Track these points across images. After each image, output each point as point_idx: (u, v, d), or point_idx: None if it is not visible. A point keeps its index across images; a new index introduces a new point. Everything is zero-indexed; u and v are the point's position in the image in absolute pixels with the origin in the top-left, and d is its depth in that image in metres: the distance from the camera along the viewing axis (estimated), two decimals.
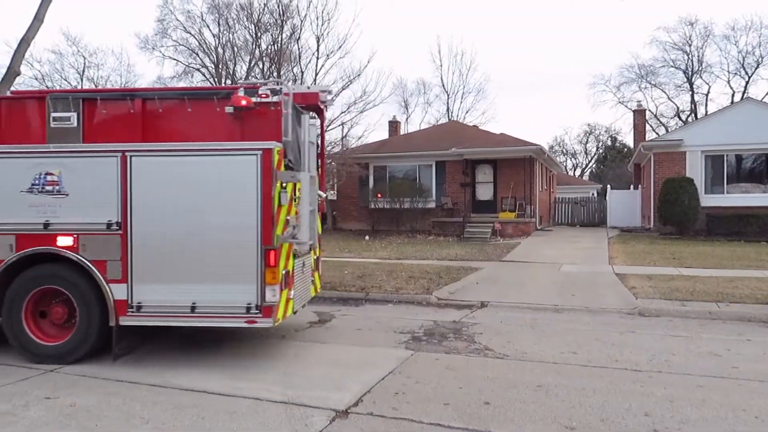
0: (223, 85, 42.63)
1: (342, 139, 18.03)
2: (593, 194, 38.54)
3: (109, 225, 6.44)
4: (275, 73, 13.99)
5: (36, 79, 44.33)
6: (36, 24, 19.94)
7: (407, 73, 76.00)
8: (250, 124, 6.91)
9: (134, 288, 6.42)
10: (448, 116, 56.78)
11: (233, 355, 7.08)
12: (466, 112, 56.89)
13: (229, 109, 6.85)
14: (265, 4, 45.36)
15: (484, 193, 26.41)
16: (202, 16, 51.00)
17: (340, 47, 14.65)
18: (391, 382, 5.90)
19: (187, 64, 52.29)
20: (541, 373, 6.23)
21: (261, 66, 14.19)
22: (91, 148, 6.80)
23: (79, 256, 6.46)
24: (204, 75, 53.31)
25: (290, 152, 6.74)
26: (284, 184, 6.38)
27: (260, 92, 6.86)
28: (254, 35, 46.47)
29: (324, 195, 8.25)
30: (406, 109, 58.31)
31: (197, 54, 52.27)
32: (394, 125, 35.21)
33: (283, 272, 6.38)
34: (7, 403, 5.31)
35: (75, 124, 7.18)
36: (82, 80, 52.05)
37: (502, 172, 26.00)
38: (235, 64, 50.72)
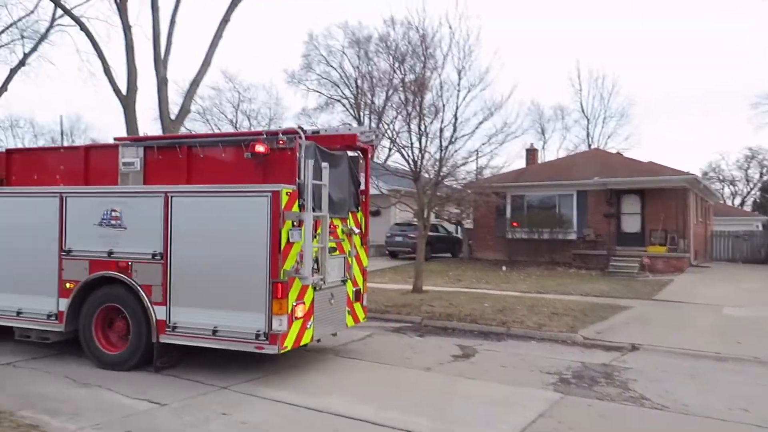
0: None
1: (478, 168, 18.04)
2: (758, 227, 34.85)
3: (154, 255, 7.47)
4: (413, 103, 14.45)
5: (198, 113, 49.40)
6: (204, 67, 22.37)
7: (544, 98, 74.42)
8: (270, 167, 7.68)
9: (172, 310, 7.35)
10: (588, 142, 54.60)
11: (376, 383, 7.36)
12: (608, 138, 54.35)
13: (247, 155, 7.61)
14: (404, 34, 46.97)
15: (631, 224, 24.96)
16: (342, 49, 53.79)
17: (481, 80, 14.77)
18: (542, 426, 5.81)
19: (329, 96, 55.40)
20: (709, 431, 5.79)
21: (403, 96, 14.78)
22: (142, 189, 8.06)
23: (132, 281, 7.55)
24: (344, 106, 56.01)
25: (307, 193, 7.03)
26: (295, 223, 6.94)
27: (279, 138, 7.59)
28: (392, 66, 48.43)
29: (357, 231, 8.52)
30: (543, 135, 57.01)
31: (338, 86, 55.25)
32: (531, 153, 34.52)
33: (294, 303, 6.98)
34: (191, 415, 5.98)
35: (138, 168, 8.46)
36: (236, 114, 57.16)
37: (650, 203, 24.45)
38: (373, 95, 53.05)
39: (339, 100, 55.29)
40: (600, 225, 24.76)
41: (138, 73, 21.73)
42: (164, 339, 7.36)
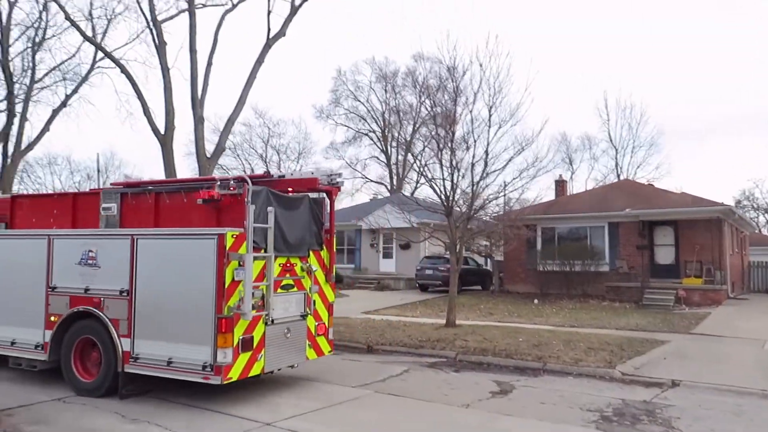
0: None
1: (509, 201, 18.11)
2: None
3: (121, 291, 8.16)
4: (444, 139, 14.70)
5: (229, 149, 50.49)
6: (239, 106, 23.17)
7: (571, 128, 74.32)
8: (225, 211, 8.29)
9: (135, 342, 7.99)
10: (617, 172, 54.18)
11: (418, 419, 7.43)
12: (637, 167, 53.86)
13: (199, 201, 8.20)
14: (431, 68, 47.71)
15: (664, 256, 24.63)
16: (370, 84, 55.13)
17: (512, 115, 14.99)
18: None
19: (356, 129, 56.55)
20: None
21: (433, 131, 15.02)
22: (113, 232, 8.86)
23: (103, 315, 8.24)
24: (371, 139, 57.14)
25: (248, 235, 7.61)
26: (240, 262, 7.45)
27: (230, 185, 8.13)
28: (419, 99, 49.22)
29: (315, 269, 8.96)
30: (571, 165, 56.84)
31: (365, 120, 56.39)
32: (560, 184, 34.48)
33: (241, 337, 7.53)
34: None
35: (115, 213, 9.23)
36: (266, 149, 58.39)
37: (684, 234, 24.14)
38: (400, 128, 53.72)
39: (366, 134, 56.34)
40: (633, 257, 24.49)
41: (175, 112, 22.60)
42: (129, 369, 7.99)
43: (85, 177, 55.79)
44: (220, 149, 22.73)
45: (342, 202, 61.58)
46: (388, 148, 56.28)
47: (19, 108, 29.18)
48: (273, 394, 8.39)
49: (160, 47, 22.75)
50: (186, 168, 43.34)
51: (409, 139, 52.36)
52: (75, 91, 31.30)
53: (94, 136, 76.86)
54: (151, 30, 23.06)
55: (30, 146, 30.89)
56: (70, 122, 75.97)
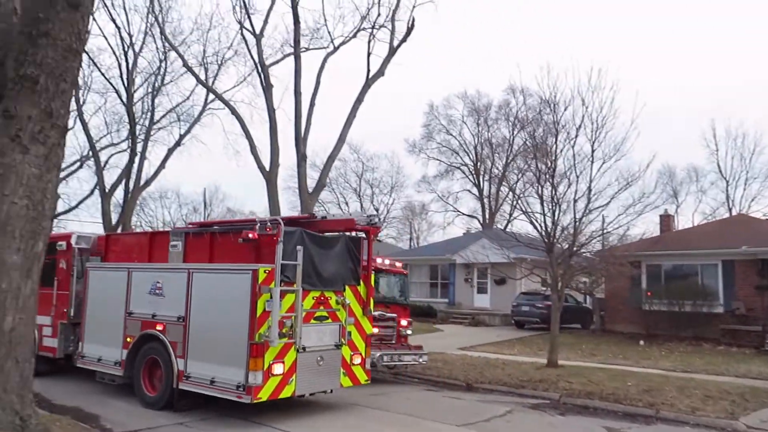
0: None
1: (609, 236, 17.49)
2: None
3: (179, 318, 9.32)
4: (545, 174, 14.50)
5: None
6: (339, 144, 24.02)
7: (675, 159, 70.62)
8: (263, 249, 9.05)
9: (188, 362, 9.01)
10: (728, 205, 50.72)
11: None
12: (752, 201, 50.15)
13: (239, 240, 9.10)
14: (524, 102, 47.28)
15: None
16: (462, 118, 55.43)
17: (617, 150, 14.59)
18: None
19: (449, 163, 56.79)
20: None
21: (533, 166, 14.89)
22: (174, 266, 10.09)
23: (165, 338, 9.40)
24: (463, 172, 57.11)
25: (289, 271, 8.56)
26: (273, 295, 8.22)
27: (267, 226, 8.95)
28: (511, 132, 48.71)
29: (348, 302, 9.57)
30: (676, 198, 53.82)
31: (457, 153, 56.54)
32: (665, 219, 32.70)
33: (271, 362, 8.30)
34: None
35: (180, 250, 10.38)
36: (360, 182, 59.86)
37: None
38: (492, 162, 53.38)
39: (458, 167, 56.42)
40: (751, 298, 22.69)
41: (279, 150, 23.79)
42: (182, 386, 9.01)
43: (191, 210, 59.62)
44: (321, 185, 23.63)
45: (434, 236, 61.76)
46: (481, 181, 55.95)
47: (139, 147, 31.89)
48: (379, 428, 8.51)
49: (267, 90, 24.13)
50: (287, 202, 45.15)
51: (502, 171, 51.80)
52: (188, 131, 33.83)
53: (200, 171, 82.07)
54: (259, 74, 24.57)
55: (148, 182, 33.53)
56: (181, 159, 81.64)
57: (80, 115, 31.98)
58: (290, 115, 23.42)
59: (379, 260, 13.25)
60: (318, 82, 23.59)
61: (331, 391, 9.72)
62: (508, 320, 27.58)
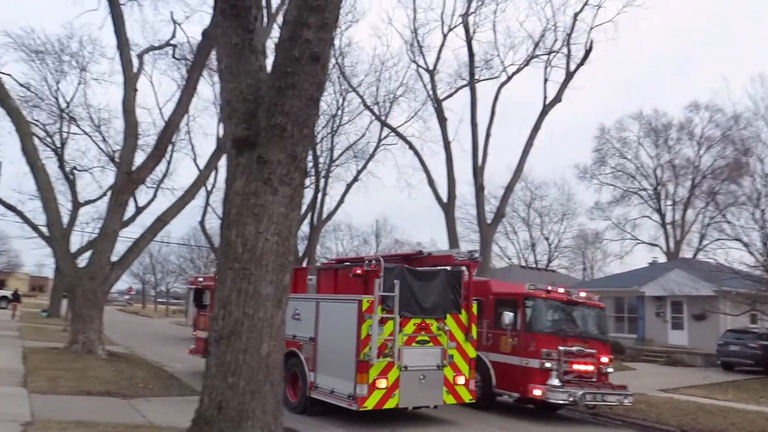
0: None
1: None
2: None
3: (310, 338, 11.21)
4: (751, 189, 12.86)
5: (491, 211, 51.51)
6: (517, 174, 23.72)
7: None
8: (369, 283, 10.46)
9: (317, 375, 10.83)
10: None
11: None
12: None
13: (350, 275, 10.96)
14: (709, 119, 42.98)
15: None
16: (638, 140, 51.69)
17: None
18: None
19: (624, 188, 53.09)
20: None
21: (741, 183, 13.31)
22: (307, 296, 12.17)
23: (301, 354, 11.32)
24: (642, 197, 53.02)
25: (390, 301, 10.00)
26: (378, 319, 9.78)
27: (372, 263, 10.44)
28: (697, 152, 44.31)
29: (447, 329, 10.71)
30: None
31: (634, 177, 52.69)
32: None
33: (375, 377, 9.79)
34: None
35: (314, 283, 12.78)
36: (528, 211, 58.28)
37: None
38: (676, 186, 48.87)
39: (636, 192, 52.54)
40: None
41: (455, 181, 24.10)
42: (312, 395, 10.81)
43: (362, 241, 62.32)
44: (500, 215, 23.42)
45: (610, 266, 57.87)
46: (662, 206, 51.60)
47: (321, 184, 34.26)
48: None
49: (442, 123, 24.70)
50: (463, 231, 45.31)
51: (687, 195, 47.28)
52: (364, 166, 35.72)
53: (370, 204, 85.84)
54: (435, 108, 25.23)
55: (329, 216, 35.82)
56: (356, 193, 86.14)
57: None
58: (465, 147, 23.72)
59: (573, 293, 12.65)
60: (493, 113, 23.67)
61: (435, 406, 11.07)
62: (712, 360, 24.68)
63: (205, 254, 63.54)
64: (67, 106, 33.27)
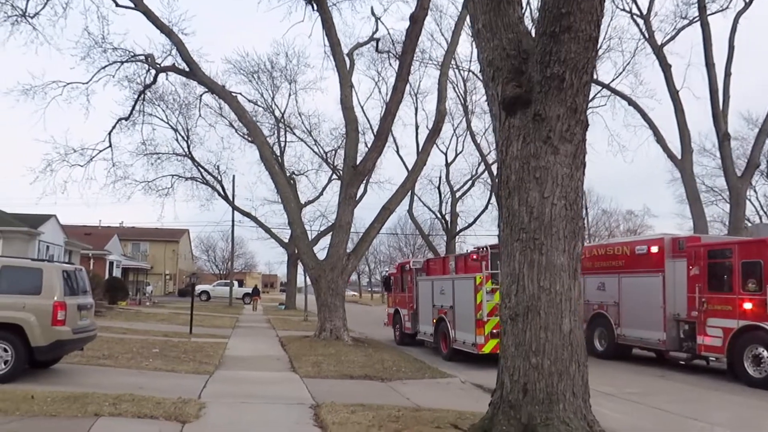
0: None
1: None
2: None
3: (450, 306, 14.89)
4: None
5: None
6: None
7: None
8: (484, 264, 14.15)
9: (456, 332, 14.61)
10: None
11: None
12: None
13: (471, 259, 15.26)
14: None
15: None
16: None
17: None
18: None
19: None
20: None
21: None
22: (447, 277, 15.96)
23: (447, 320, 15.04)
24: None
25: (495, 277, 12.75)
26: (488, 290, 13.27)
27: (482, 250, 14.81)
28: None
29: None
30: None
31: None
32: None
33: (491, 330, 12.93)
34: None
35: (452, 267, 16.57)
36: None
37: None
38: None
39: None
40: None
41: (690, 134, 21.27)
42: (454, 346, 14.73)
43: None
44: (752, 165, 20.10)
45: None
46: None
47: None
48: None
49: (666, 70, 21.92)
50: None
51: None
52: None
53: None
54: (656, 55, 22.48)
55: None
56: None
57: (472, 136, 34.82)
58: (698, 93, 20.78)
59: None
60: (731, 47, 20.33)
61: None
62: None
63: (412, 242, 65.75)
64: (282, 117, 36.41)
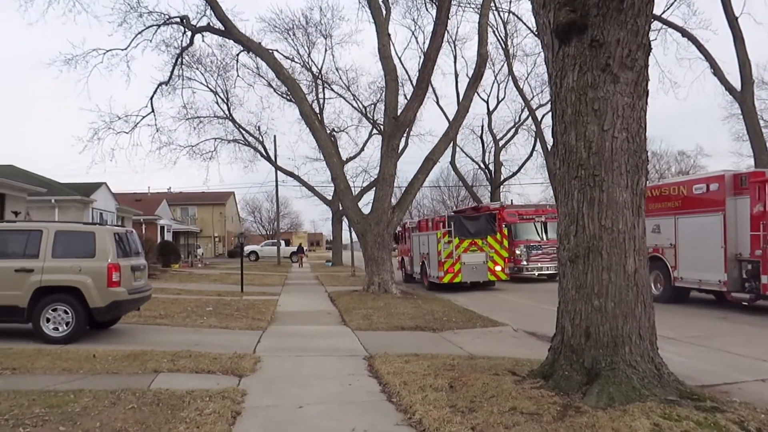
0: None
1: None
2: None
3: (427, 253, 21.68)
4: None
5: None
6: None
7: None
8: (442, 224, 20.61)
9: (429, 270, 21.07)
10: None
11: None
12: None
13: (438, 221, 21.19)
14: None
15: None
16: None
17: None
18: None
19: None
20: None
21: None
22: (422, 233, 22.76)
23: (425, 261, 22.13)
24: None
25: (442, 231, 19.97)
26: (444, 241, 19.51)
27: (443, 216, 21.87)
28: None
29: (487, 243, 19.96)
30: None
31: None
32: None
33: (448, 268, 19.13)
34: None
35: (431, 226, 22.39)
36: None
37: None
38: None
39: None
40: None
41: (750, 64, 19.90)
42: (430, 280, 20.71)
43: None
44: None
45: None
46: None
47: None
48: None
49: None
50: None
51: None
52: None
53: None
54: None
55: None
56: None
57: (515, 81, 33.67)
58: (760, 18, 19.32)
59: None
60: None
61: (484, 283, 19.77)
62: None
63: (455, 193, 65.09)
64: (320, 73, 35.95)
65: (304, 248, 49.48)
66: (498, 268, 19.33)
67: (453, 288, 19.36)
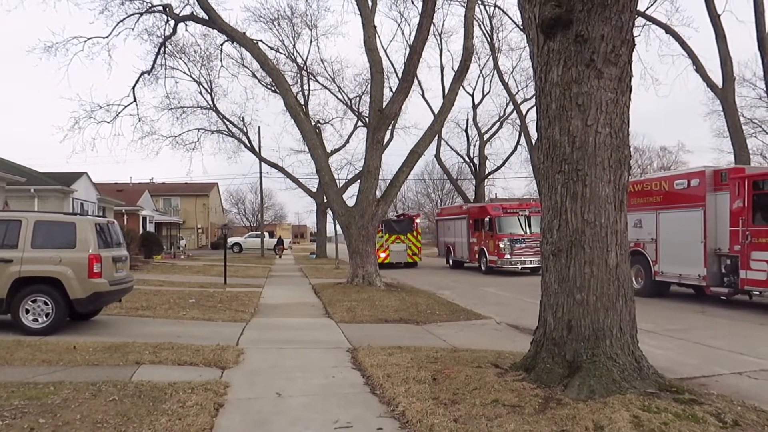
0: None
1: None
2: None
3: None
4: None
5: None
6: None
7: None
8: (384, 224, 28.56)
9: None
10: None
11: None
12: None
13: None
14: None
15: None
16: None
17: None
18: None
19: None
20: None
21: None
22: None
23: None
24: None
25: (381, 229, 27.74)
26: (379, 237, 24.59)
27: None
28: None
29: (406, 239, 29.56)
30: None
31: None
32: None
33: (381, 254, 27.06)
34: None
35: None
36: None
37: None
38: None
39: None
40: None
41: (732, 61, 20.15)
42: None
43: None
44: None
45: None
46: None
47: None
48: None
49: None
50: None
51: None
52: None
53: None
54: None
55: None
56: None
57: (500, 75, 33.76)
58: (742, 17, 19.55)
59: None
60: None
61: (405, 264, 28.91)
62: None
63: (440, 186, 65.27)
64: (305, 65, 35.74)
65: (284, 240, 49.77)
66: (413, 256, 29.15)
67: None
